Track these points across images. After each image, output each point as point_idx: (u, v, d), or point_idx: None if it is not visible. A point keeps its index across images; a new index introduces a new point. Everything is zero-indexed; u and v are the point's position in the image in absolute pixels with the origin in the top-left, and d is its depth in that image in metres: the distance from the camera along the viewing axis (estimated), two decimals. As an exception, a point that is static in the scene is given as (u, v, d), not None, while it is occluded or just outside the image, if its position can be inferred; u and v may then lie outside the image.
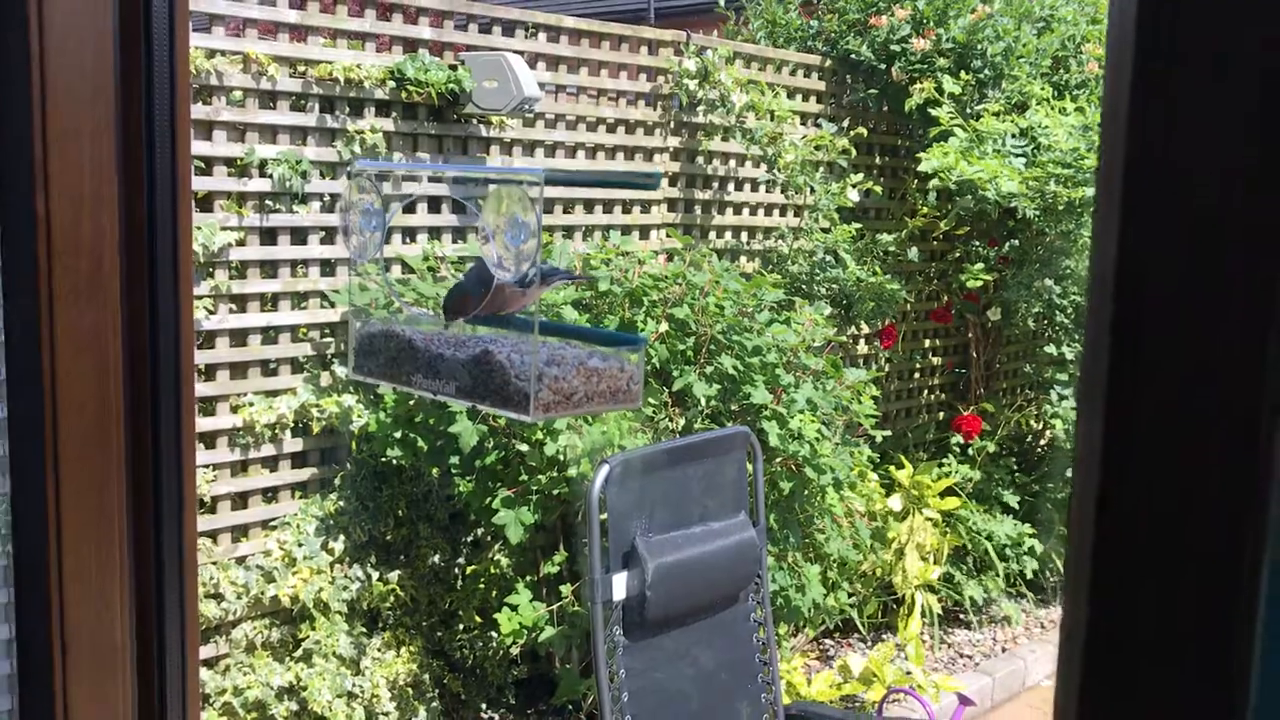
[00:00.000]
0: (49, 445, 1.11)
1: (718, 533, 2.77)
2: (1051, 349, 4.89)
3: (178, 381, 1.20)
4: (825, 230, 4.59)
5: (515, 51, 3.75)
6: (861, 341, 5.10)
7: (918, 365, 5.49)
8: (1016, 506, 5.05)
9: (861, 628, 4.58)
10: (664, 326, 3.38)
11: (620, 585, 2.55)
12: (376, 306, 3.53)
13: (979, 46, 4.74)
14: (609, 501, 2.56)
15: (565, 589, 3.28)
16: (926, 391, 5.61)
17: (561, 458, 3.19)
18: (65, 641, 1.15)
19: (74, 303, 1.10)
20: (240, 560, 3.43)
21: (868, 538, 3.74)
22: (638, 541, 2.59)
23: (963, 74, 4.75)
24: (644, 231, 4.36)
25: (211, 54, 3.27)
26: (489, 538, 3.62)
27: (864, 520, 3.78)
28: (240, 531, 3.48)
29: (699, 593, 2.73)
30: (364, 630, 3.55)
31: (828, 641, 4.63)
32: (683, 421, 3.40)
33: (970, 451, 5.05)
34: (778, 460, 3.37)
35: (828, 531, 3.52)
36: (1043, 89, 4.86)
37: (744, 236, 4.74)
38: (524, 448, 3.26)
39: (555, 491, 3.24)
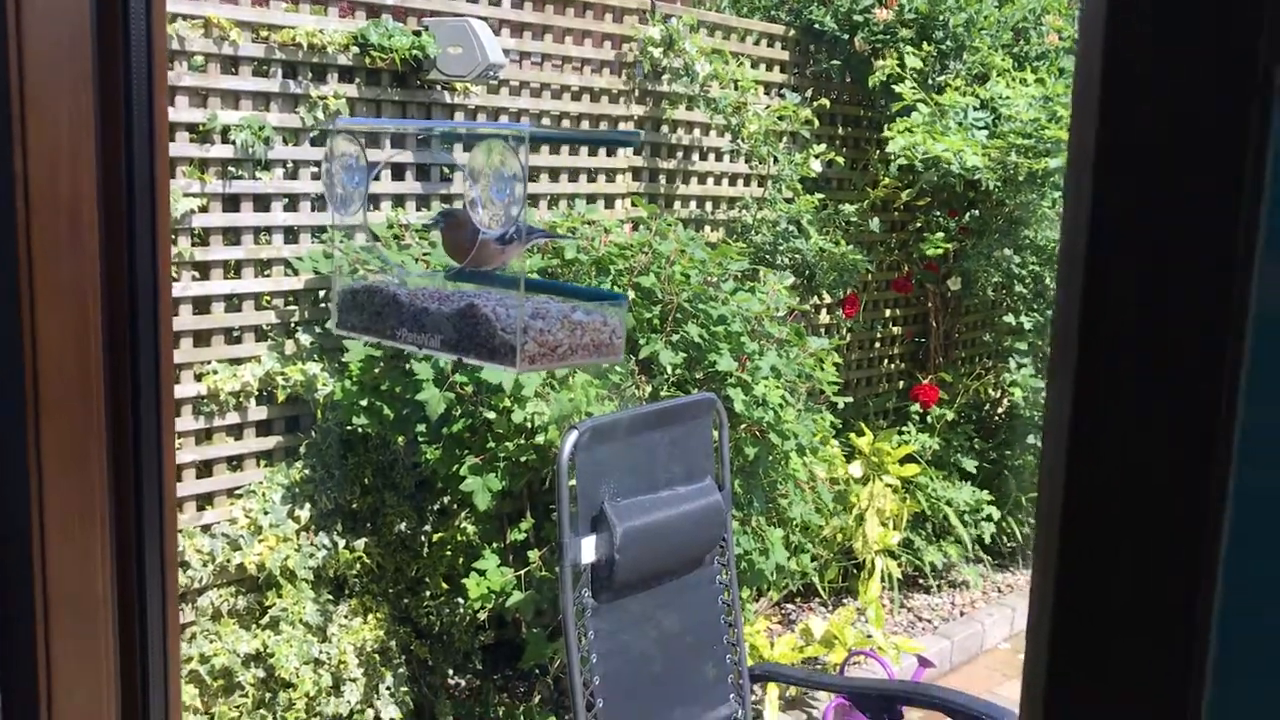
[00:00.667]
0: (29, 403, 1.12)
1: (684, 497, 2.81)
2: (1010, 318, 4.96)
3: (156, 340, 1.21)
4: (789, 200, 4.62)
5: (479, 18, 3.73)
6: (824, 311, 5.14)
7: (878, 334, 5.55)
8: (975, 473, 5.13)
9: (823, 592, 4.65)
10: (631, 295, 3.40)
11: (589, 548, 2.58)
12: (342, 273, 3.53)
13: (941, 17, 4.77)
14: (578, 466, 2.59)
15: (533, 554, 3.30)
16: (886, 360, 5.67)
17: (529, 425, 3.20)
18: (48, 597, 1.16)
19: (53, 259, 1.11)
20: (206, 528, 3.43)
21: (830, 502, 3.80)
22: (606, 506, 2.61)
23: (925, 45, 4.78)
24: (609, 200, 4.37)
25: (173, 18, 3.23)
26: (455, 505, 3.64)
27: (826, 485, 3.83)
28: (205, 499, 3.47)
29: (666, 556, 2.76)
30: (331, 598, 3.56)
31: (789, 606, 4.69)
32: (649, 389, 3.42)
33: (929, 419, 5.12)
34: (742, 426, 3.40)
35: (791, 496, 3.57)
36: (1003, 60, 4.90)
37: (708, 206, 4.76)
38: (491, 415, 3.27)
39: (523, 459, 3.26)
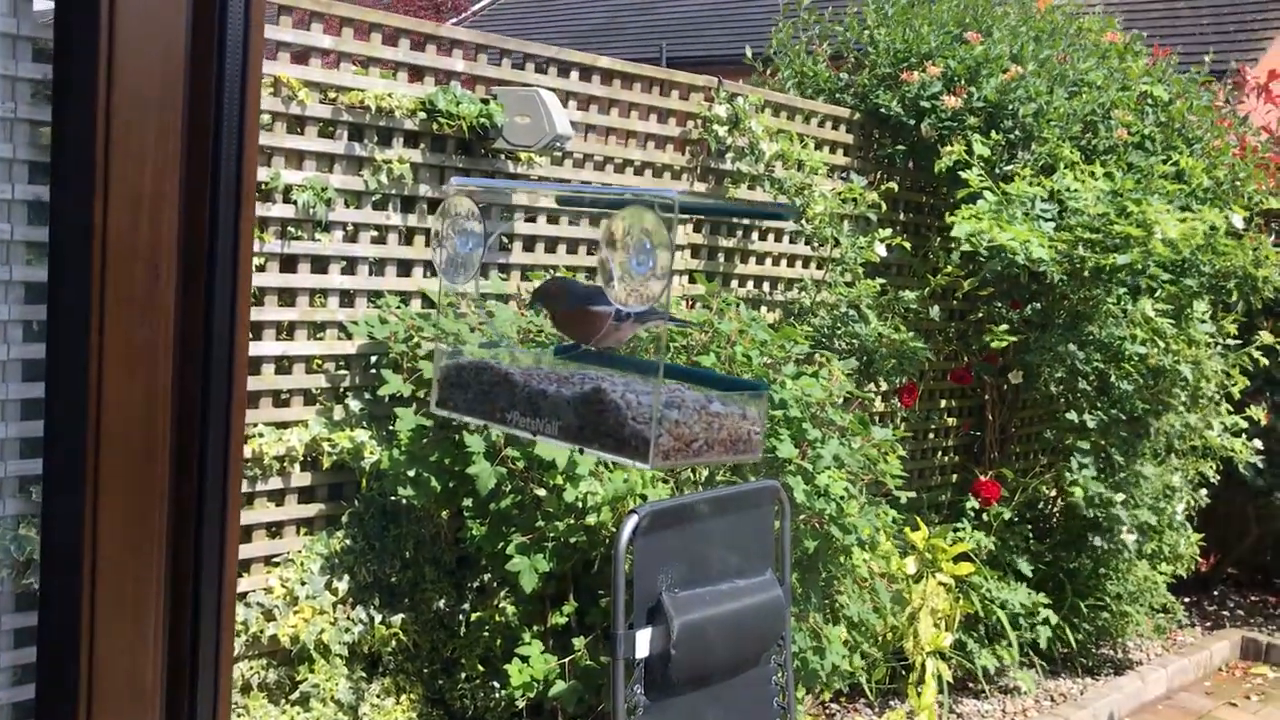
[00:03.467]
0: (89, 471, 1.02)
1: (744, 590, 2.67)
2: (1072, 415, 4.81)
3: (228, 406, 1.11)
4: (849, 284, 4.52)
5: (548, 88, 3.69)
6: (879, 399, 5.01)
7: (933, 425, 5.41)
8: (1029, 574, 4.94)
9: (869, 693, 4.45)
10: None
11: (644, 642, 2.44)
12: (396, 340, 3.45)
13: (1010, 106, 4.70)
14: (636, 553, 2.47)
15: (578, 642, 3.16)
16: (940, 453, 5.52)
17: (581, 504, 3.09)
18: (93, 675, 1.05)
19: (127, 313, 1.01)
20: (241, 596, 3.31)
21: (888, 601, 3.64)
22: (664, 597, 2.48)
23: (993, 134, 4.70)
24: (667, 277, 4.29)
25: (242, 75, 3.20)
26: (495, 584, 3.51)
27: (884, 582, 3.67)
28: (243, 566, 3.36)
29: (724, 653, 2.62)
30: (364, 675, 3.42)
31: (834, 706, 4.50)
32: (705, 473, 3.30)
33: (985, 517, 4.95)
34: (801, 517, 3.27)
35: (848, 593, 3.41)
36: (1071, 152, 4.82)
37: (766, 286, 4.67)
38: (542, 492, 3.15)
39: (572, 539, 3.13)
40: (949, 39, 4.92)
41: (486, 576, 3.55)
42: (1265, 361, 5.15)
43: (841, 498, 3.21)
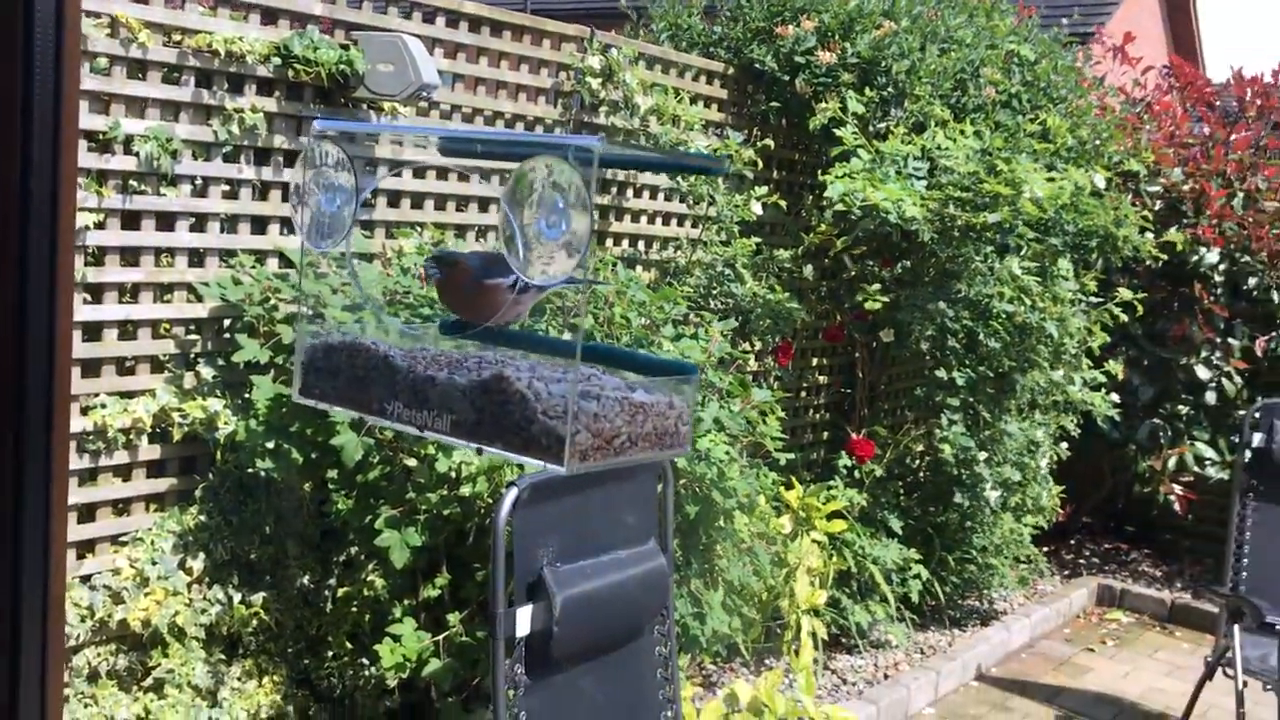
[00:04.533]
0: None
1: (627, 561, 2.58)
2: (942, 373, 4.85)
3: (50, 370, 0.95)
4: (725, 243, 4.45)
5: (413, 34, 3.49)
6: (752, 359, 4.97)
7: (806, 384, 5.40)
8: (900, 531, 4.99)
9: (745, 652, 4.44)
10: (566, 336, 3.17)
11: (525, 619, 2.33)
12: (251, 302, 3.23)
13: (884, 63, 4.67)
14: (515, 527, 2.35)
15: (452, 617, 3.03)
16: (812, 410, 5.52)
17: (454, 474, 2.94)
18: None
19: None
20: (85, 579, 3.08)
21: (767, 563, 3.60)
22: (545, 572, 2.37)
23: (867, 90, 4.67)
24: (539, 235, 4.14)
25: (74, 13, 2.92)
26: (363, 557, 3.34)
27: (763, 544, 3.63)
28: (86, 547, 3.13)
29: (608, 626, 2.53)
30: (223, 658, 3.23)
31: (710, 667, 4.47)
32: (583, 438, 3.19)
33: (857, 474, 4.97)
34: (682, 482, 3.19)
35: (728, 557, 3.36)
36: (942, 110, 4.82)
37: (641, 245, 4.56)
38: (413, 463, 3.00)
39: (445, 511, 2.99)
40: (822, -8, 4.86)
41: (354, 550, 3.38)
42: (1125, 318, 5.28)
43: (722, 461, 3.14)
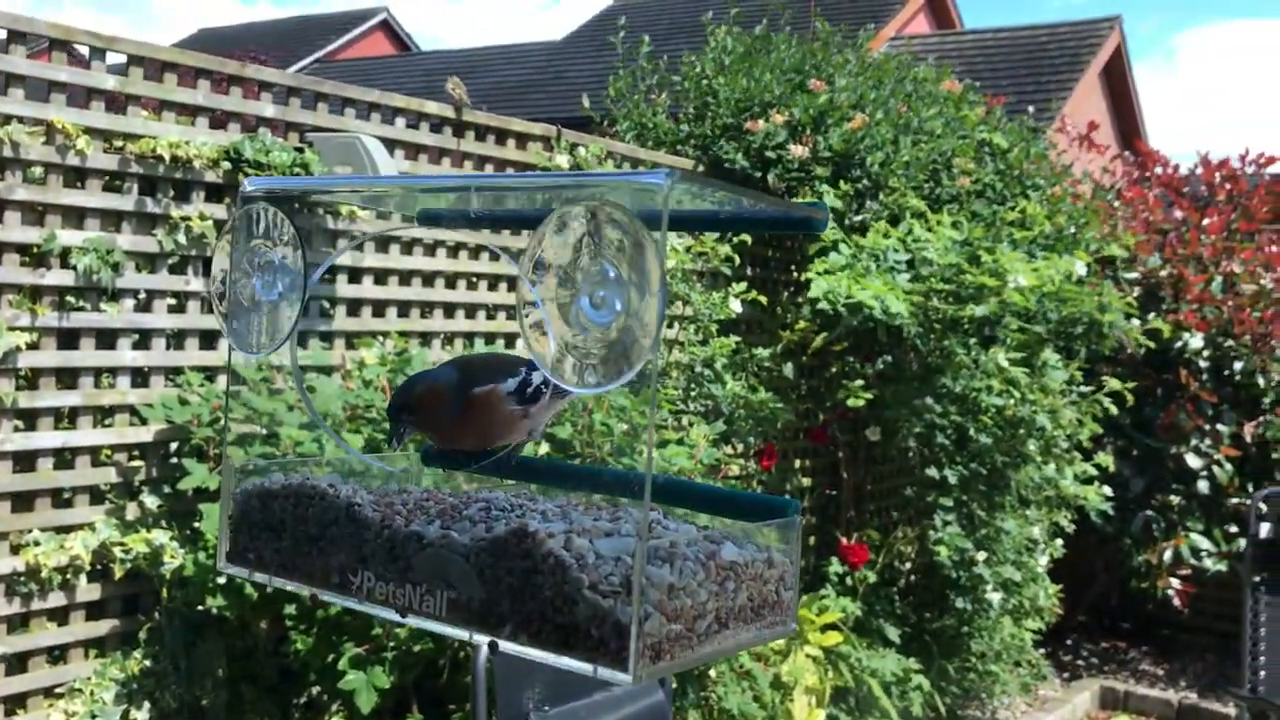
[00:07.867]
0: None
1: (622, 699, 2.32)
2: (933, 471, 4.64)
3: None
4: (702, 342, 4.26)
5: (372, 136, 3.32)
6: (734, 463, 4.75)
7: (789, 487, 5.18)
8: (898, 640, 4.72)
9: (742, 781, 4.12)
10: (544, 448, 2.94)
11: (511, 775, 2.06)
12: (200, 424, 2.98)
13: (857, 155, 4.55)
14: (497, 668, 2.09)
15: (426, 765, 2.73)
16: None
17: (425, 606, 2.68)
18: None
19: None
20: (14, 739, 2.76)
21: (766, 686, 3.33)
22: (532, 718, 2.11)
23: (841, 183, 4.55)
24: (510, 340, 3.93)
25: (6, 119, 2.72)
26: (325, 697, 3.05)
27: (761, 666, 3.36)
28: (17, 702, 2.81)
29: (603, 777, 2.25)
30: (171, 820, 2.90)
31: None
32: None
33: (850, 581, 4.72)
34: (673, 603, 2.93)
35: (725, 683, 3.09)
36: (917, 201, 4.70)
37: (614, 348, 4.35)
38: (379, 594, 2.73)
39: (416, 647, 2.72)
40: (791, 87, 4.76)
41: (315, 691, 3.08)
42: (1115, 410, 5.11)
43: (717, 580, 2.89)
